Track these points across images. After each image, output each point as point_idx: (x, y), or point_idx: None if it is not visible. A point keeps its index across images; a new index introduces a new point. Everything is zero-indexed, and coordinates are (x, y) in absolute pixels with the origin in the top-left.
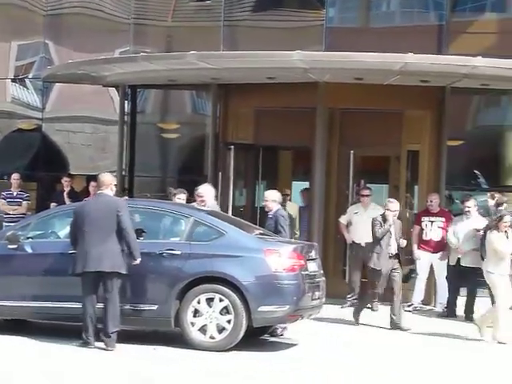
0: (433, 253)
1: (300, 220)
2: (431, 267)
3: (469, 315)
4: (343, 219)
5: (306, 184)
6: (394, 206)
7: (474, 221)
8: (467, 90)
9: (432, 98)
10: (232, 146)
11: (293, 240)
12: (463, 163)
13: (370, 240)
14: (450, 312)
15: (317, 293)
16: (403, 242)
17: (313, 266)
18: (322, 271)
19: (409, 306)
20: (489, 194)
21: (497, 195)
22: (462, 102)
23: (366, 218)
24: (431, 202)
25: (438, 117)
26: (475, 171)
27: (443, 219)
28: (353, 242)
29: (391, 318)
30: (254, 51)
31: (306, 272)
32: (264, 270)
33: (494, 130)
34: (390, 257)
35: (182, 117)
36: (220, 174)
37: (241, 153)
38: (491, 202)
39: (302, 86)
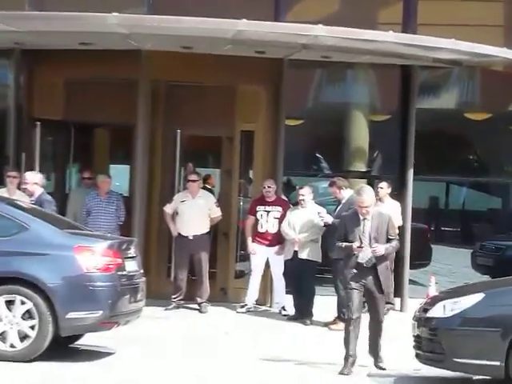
0: (268, 246)
1: None
2: (267, 263)
3: (305, 316)
4: (168, 208)
5: (126, 168)
6: (366, 198)
7: (310, 210)
8: (307, 62)
9: (268, 71)
10: (38, 123)
11: (109, 235)
12: (303, 145)
13: (200, 232)
14: (301, 313)
15: (136, 296)
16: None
17: (131, 265)
18: (142, 271)
19: (242, 306)
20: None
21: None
22: (301, 76)
23: (196, 207)
24: (267, 189)
25: (274, 93)
26: (317, 154)
27: (280, 209)
28: (179, 234)
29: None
30: (64, 12)
31: (124, 272)
32: (74, 270)
33: (338, 108)
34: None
35: None
36: (24, 154)
37: (49, 130)
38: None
39: (122, 54)
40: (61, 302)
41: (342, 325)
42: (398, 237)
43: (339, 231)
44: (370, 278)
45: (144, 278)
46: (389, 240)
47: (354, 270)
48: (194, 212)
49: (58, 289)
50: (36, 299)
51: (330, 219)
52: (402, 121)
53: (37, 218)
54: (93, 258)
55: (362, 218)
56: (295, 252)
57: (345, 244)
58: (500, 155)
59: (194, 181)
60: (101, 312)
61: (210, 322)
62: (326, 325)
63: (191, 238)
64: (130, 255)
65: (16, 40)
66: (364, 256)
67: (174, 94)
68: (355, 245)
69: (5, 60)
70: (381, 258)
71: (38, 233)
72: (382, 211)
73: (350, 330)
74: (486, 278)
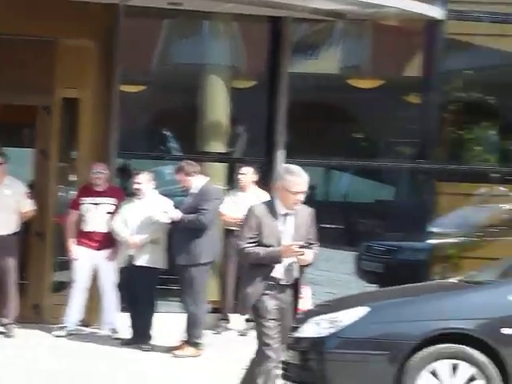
0: (97, 250)
1: None
2: (95, 271)
3: (143, 339)
4: None
5: None
6: (302, 180)
7: (150, 203)
8: (150, 10)
9: (98, 20)
10: None
11: None
12: (145, 119)
13: (5, 232)
14: (138, 336)
15: None
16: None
17: None
18: None
19: (61, 328)
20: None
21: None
22: (142, 28)
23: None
24: (96, 175)
25: (106, 50)
26: (163, 131)
27: (113, 201)
28: None
29: None
30: None
31: None
32: None
33: (191, 71)
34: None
35: None
36: None
37: None
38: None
39: None
40: None
41: (190, 350)
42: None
43: (248, 231)
44: (288, 298)
45: None
46: (309, 244)
47: (267, 291)
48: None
49: None
50: None
51: (177, 214)
52: (271, 88)
53: None
54: None
55: (283, 212)
56: (130, 257)
57: (269, 250)
58: (393, 133)
59: None
60: None
61: (17, 349)
62: (171, 350)
63: None
64: None
65: None
66: (285, 267)
67: None
68: (292, 245)
69: None
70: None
71: None
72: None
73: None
74: (374, 287)
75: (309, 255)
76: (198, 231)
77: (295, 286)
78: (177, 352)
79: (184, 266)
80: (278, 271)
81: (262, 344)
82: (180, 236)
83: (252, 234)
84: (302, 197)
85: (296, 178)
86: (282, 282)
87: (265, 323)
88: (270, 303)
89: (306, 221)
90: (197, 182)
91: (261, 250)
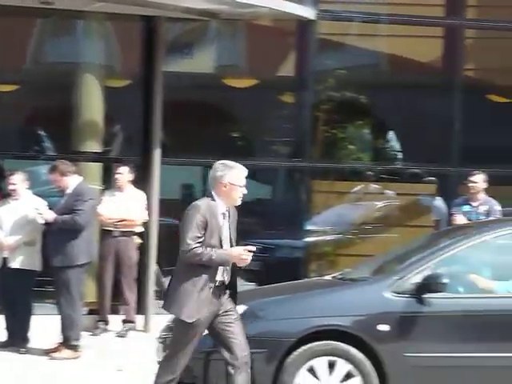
0: None
1: None
2: None
3: (19, 341)
4: None
5: None
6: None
7: (24, 204)
8: (21, 9)
9: None
10: None
11: None
12: (18, 118)
13: None
14: (15, 338)
15: None
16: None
17: None
18: None
19: None
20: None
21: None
22: (14, 27)
23: None
24: None
25: None
26: (38, 130)
27: None
28: None
29: None
30: None
31: None
32: None
33: (64, 70)
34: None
35: None
36: None
37: None
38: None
39: None
40: None
41: (67, 352)
42: None
43: (195, 230)
44: (227, 301)
45: None
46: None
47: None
48: None
49: None
50: None
51: (51, 215)
52: (146, 87)
53: None
54: None
55: (222, 210)
56: (4, 259)
57: (220, 252)
58: (269, 131)
59: None
60: None
61: None
62: (47, 352)
63: None
64: None
65: None
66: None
67: None
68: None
69: None
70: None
71: None
72: None
73: None
74: (252, 286)
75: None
76: (73, 232)
77: (232, 288)
78: (54, 354)
79: (59, 268)
80: (220, 273)
81: (171, 358)
82: (55, 237)
83: (199, 233)
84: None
85: (239, 171)
86: (220, 284)
87: (187, 344)
88: (206, 321)
89: (235, 220)
90: (72, 182)
91: (213, 252)
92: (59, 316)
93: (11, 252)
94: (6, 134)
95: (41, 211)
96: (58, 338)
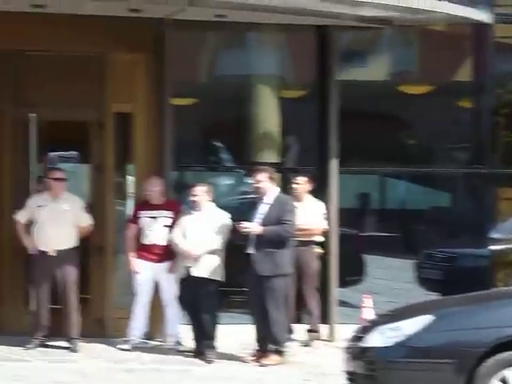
0: (157, 262)
1: None
2: (156, 284)
3: (205, 349)
4: (21, 216)
5: None
6: None
7: (207, 214)
8: (197, 24)
9: (146, 35)
10: None
11: None
12: (197, 131)
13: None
14: (202, 347)
15: None
16: None
17: None
18: None
19: (125, 342)
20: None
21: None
22: (190, 41)
23: (57, 214)
24: (150, 189)
25: (155, 64)
26: (215, 142)
27: (171, 214)
28: (39, 251)
29: None
30: None
31: None
32: None
33: (240, 83)
34: None
35: None
36: None
37: None
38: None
39: None
40: None
41: (275, 358)
42: None
43: None
44: None
45: None
46: None
47: None
48: (55, 220)
49: None
50: None
51: (257, 228)
52: (321, 97)
53: None
54: None
55: None
56: (188, 268)
57: None
58: (446, 138)
59: (58, 180)
60: None
61: (82, 363)
62: (253, 360)
63: (53, 254)
64: None
65: None
66: None
67: (25, 67)
68: None
69: None
70: None
71: None
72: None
73: None
74: (435, 295)
75: None
76: (281, 243)
77: None
78: (263, 361)
79: (267, 277)
80: None
81: None
82: (262, 247)
83: None
84: None
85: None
86: None
87: None
88: None
89: None
90: (271, 190)
91: None
92: (269, 322)
93: (195, 261)
94: (185, 147)
95: (246, 225)
96: (253, 346)
